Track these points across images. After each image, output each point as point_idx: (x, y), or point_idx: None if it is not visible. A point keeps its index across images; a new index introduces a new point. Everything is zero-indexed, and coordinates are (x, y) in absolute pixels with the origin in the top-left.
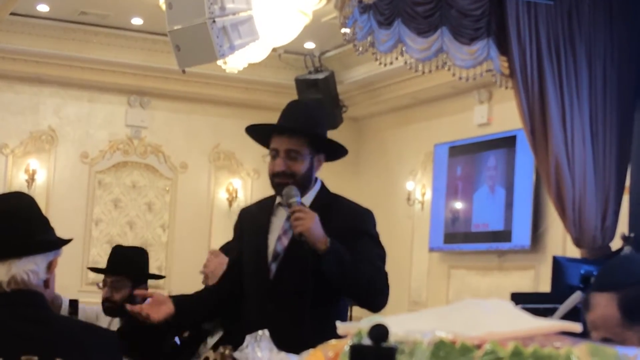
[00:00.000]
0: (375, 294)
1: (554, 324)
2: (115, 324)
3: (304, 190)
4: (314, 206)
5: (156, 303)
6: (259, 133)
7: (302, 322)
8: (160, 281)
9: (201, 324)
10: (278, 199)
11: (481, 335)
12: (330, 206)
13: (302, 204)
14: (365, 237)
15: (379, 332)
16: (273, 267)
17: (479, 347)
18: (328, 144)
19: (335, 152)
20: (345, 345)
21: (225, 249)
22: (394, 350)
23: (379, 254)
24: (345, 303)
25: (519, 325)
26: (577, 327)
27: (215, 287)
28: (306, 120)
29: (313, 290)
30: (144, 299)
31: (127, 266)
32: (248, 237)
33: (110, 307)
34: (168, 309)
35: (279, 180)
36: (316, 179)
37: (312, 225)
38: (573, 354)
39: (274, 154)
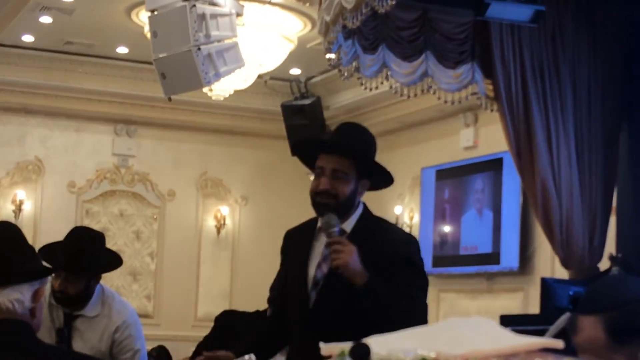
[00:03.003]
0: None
1: (536, 341)
2: (56, 309)
3: (345, 213)
4: (356, 230)
5: None
6: (305, 151)
7: None
8: (150, 308)
9: None
10: (319, 223)
11: (464, 353)
12: (373, 231)
13: (340, 232)
14: (407, 266)
15: (360, 352)
16: (313, 294)
17: None
18: (375, 170)
19: (380, 180)
20: None
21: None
22: None
23: (421, 284)
24: None
25: (501, 342)
26: (559, 343)
27: (269, 322)
28: (357, 142)
29: (354, 319)
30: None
31: (84, 263)
32: (291, 262)
33: (63, 298)
34: None
35: (320, 199)
36: (359, 202)
37: (350, 260)
38: None
39: (319, 172)
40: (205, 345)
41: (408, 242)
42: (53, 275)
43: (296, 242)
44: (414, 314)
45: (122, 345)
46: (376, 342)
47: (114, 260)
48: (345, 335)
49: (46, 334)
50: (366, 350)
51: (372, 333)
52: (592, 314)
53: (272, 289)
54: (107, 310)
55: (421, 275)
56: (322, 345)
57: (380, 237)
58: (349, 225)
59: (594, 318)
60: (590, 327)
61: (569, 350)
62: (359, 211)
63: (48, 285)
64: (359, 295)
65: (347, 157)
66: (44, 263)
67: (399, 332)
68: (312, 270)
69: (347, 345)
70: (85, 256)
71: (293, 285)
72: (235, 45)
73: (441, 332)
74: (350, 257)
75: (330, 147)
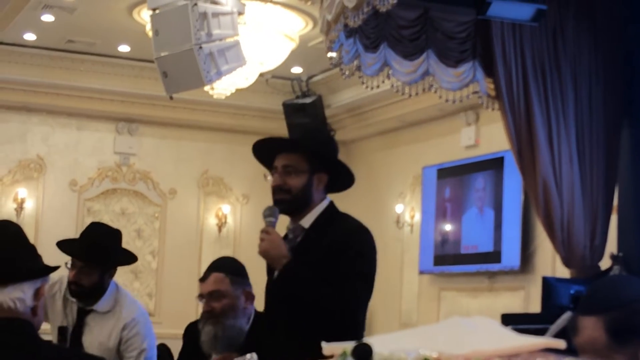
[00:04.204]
0: (324, 316)
1: (538, 341)
2: (70, 303)
3: (303, 208)
4: (314, 226)
5: None
6: (264, 155)
7: (296, 342)
8: (151, 306)
9: None
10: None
11: (466, 354)
12: (331, 224)
13: (290, 230)
14: (348, 252)
15: (363, 352)
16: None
17: None
18: (329, 163)
19: (341, 175)
20: None
21: None
22: None
23: (359, 269)
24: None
25: (503, 342)
26: (561, 343)
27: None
28: (306, 137)
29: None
30: None
31: (99, 254)
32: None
33: (77, 290)
34: None
35: (276, 196)
36: (324, 198)
37: (268, 247)
38: None
39: (274, 172)
40: None
41: (355, 231)
42: (69, 267)
43: None
44: (334, 299)
45: (128, 343)
46: (378, 342)
47: (128, 257)
48: (296, 322)
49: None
50: (368, 350)
51: (310, 316)
52: (592, 315)
53: None
54: (118, 307)
55: (363, 261)
56: (324, 344)
57: (335, 228)
58: (308, 220)
59: (594, 318)
60: (590, 328)
61: (570, 350)
62: (321, 207)
63: (65, 280)
64: (278, 281)
65: (296, 152)
66: (63, 257)
67: (400, 331)
68: None
69: (349, 345)
70: (100, 248)
71: (268, 282)
72: (236, 44)
73: (443, 332)
74: (270, 244)
75: (277, 143)
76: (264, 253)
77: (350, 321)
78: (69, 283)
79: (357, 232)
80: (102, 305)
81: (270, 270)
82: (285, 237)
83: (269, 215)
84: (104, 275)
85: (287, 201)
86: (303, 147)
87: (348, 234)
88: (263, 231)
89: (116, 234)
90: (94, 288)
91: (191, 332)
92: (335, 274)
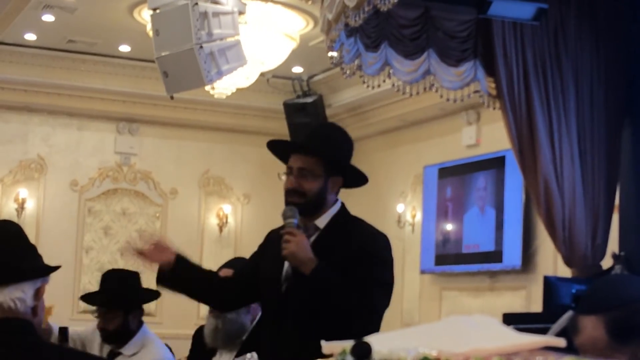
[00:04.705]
0: (354, 320)
1: (538, 339)
2: (106, 348)
3: (317, 210)
4: (329, 227)
5: (159, 249)
6: (279, 150)
7: (310, 343)
8: (152, 306)
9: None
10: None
11: (465, 352)
12: (346, 228)
13: (299, 226)
14: (371, 260)
15: (362, 350)
16: (284, 287)
17: None
18: (344, 167)
19: (354, 178)
20: None
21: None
22: None
23: (382, 277)
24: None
25: (503, 341)
26: (561, 342)
27: (220, 278)
28: (323, 141)
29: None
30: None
31: (117, 299)
32: (267, 258)
33: (104, 336)
34: (167, 257)
35: (290, 198)
36: (336, 200)
37: (296, 250)
38: None
39: (289, 172)
40: None
41: (377, 238)
42: (96, 314)
43: (275, 239)
44: (360, 306)
45: None
46: (377, 341)
47: (149, 296)
48: (312, 327)
49: None
50: (367, 348)
51: (334, 321)
52: (592, 314)
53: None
54: (143, 351)
55: (385, 269)
56: (323, 343)
57: (351, 233)
58: (322, 221)
59: (594, 318)
60: (591, 327)
61: (571, 348)
62: (334, 209)
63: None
64: (305, 284)
65: (313, 156)
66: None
67: (400, 330)
68: (286, 264)
69: (348, 344)
70: (117, 292)
71: (268, 278)
72: (237, 44)
73: (443, 330)
74: (298, 247)
75: (295, 146)
76: (290, 255)
77: (373, 326)
78: (99, 330)
79: (381, 239)
80: (128, 348)
81: (270, 268)
82: None
83: (291, 216)
84: (127, 318)
85: (301, 204)
86: (321, 152)
87: (373, 242)
88: (287, 232)
89: (133, 276)
90: (120, 332)
91: (200, 334)
92: (362, 280)
